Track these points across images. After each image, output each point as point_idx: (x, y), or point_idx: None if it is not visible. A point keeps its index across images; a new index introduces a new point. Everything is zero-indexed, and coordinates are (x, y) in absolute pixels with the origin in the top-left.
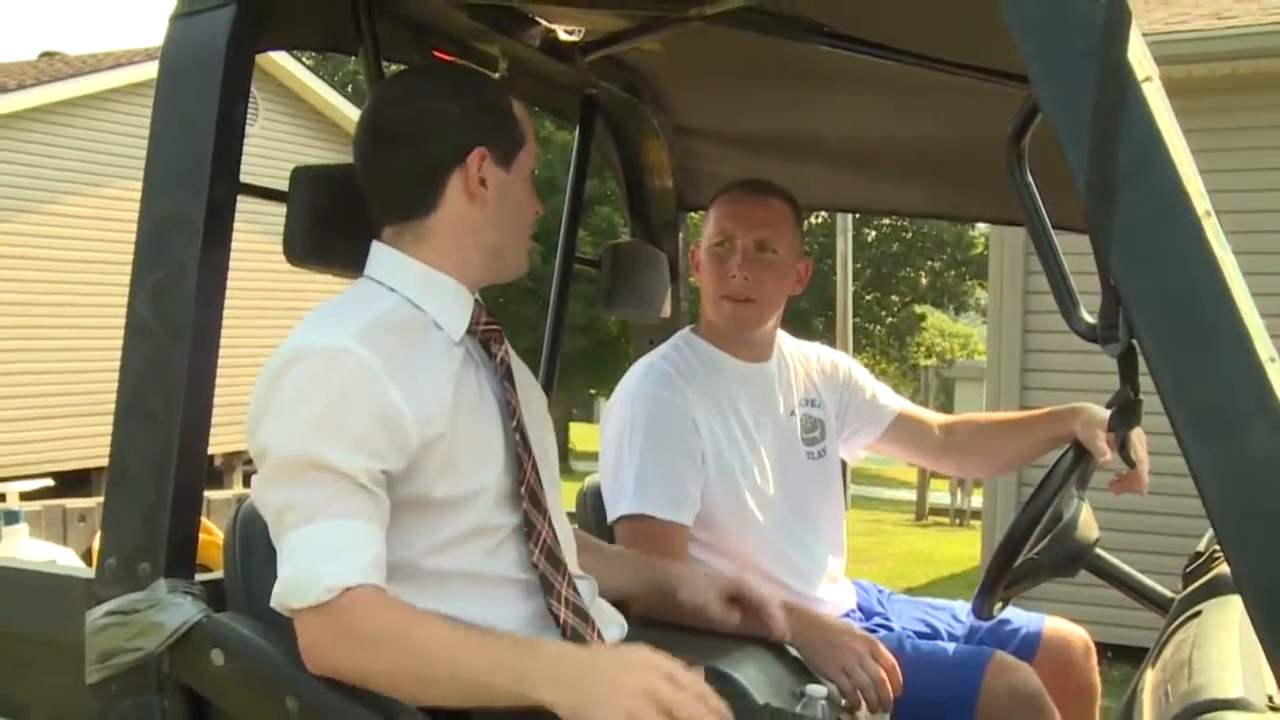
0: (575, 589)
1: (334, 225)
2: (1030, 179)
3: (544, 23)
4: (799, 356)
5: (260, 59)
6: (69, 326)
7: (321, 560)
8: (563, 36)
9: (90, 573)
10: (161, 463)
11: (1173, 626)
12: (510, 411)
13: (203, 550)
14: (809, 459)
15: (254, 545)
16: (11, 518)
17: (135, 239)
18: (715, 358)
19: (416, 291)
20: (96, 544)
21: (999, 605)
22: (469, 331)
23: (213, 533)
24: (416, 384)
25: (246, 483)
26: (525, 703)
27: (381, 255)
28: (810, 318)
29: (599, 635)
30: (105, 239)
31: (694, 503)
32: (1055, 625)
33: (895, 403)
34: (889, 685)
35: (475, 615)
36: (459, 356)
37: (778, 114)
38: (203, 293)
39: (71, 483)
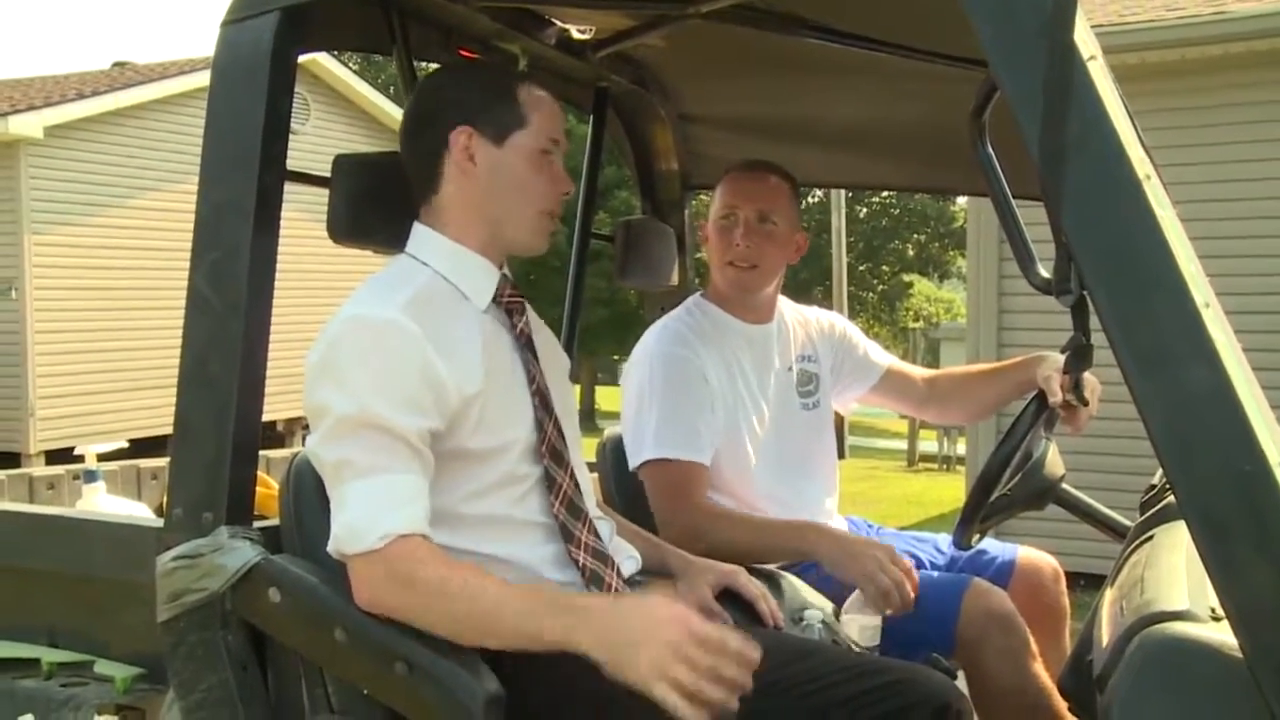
0: (595, 533)
1: (371, 207)
2: (991, 152)
3: (558, 23)
4: (797, 318)
5: (311, 65)
6: (143, 308)
7: (377, 511)
8: (575, 35)
9: (160, 523)
10: (221, 422)
11: (1129, 550)
12: (530, 378)
13: (262, 501)
14: (804, 409)
15: (306, 495)
16: (91, 476)
17: (194, 223)
18: (723, 319)
19: (446, 266)
20: (165, 498)
21: (976, 537)
22: (494, 301)
23: (270, 486)
24: (453, 350)
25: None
26: (564, 648)
27: (416, 233)
28: (810, 287)
29: (617, 572)
30: (173, 229)
31: (709, 444)
32: (1027, 554)
33: (884, 359)
34: (908, 585)
35: (505, 553)
36: (487, 324)
37: (770, 101)
38: (255, 269)
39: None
